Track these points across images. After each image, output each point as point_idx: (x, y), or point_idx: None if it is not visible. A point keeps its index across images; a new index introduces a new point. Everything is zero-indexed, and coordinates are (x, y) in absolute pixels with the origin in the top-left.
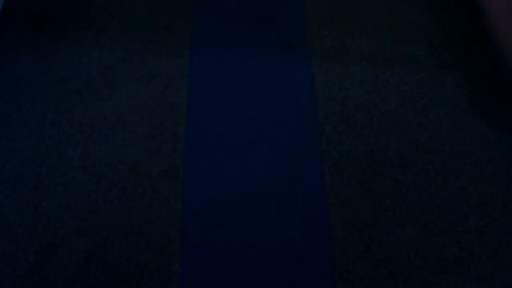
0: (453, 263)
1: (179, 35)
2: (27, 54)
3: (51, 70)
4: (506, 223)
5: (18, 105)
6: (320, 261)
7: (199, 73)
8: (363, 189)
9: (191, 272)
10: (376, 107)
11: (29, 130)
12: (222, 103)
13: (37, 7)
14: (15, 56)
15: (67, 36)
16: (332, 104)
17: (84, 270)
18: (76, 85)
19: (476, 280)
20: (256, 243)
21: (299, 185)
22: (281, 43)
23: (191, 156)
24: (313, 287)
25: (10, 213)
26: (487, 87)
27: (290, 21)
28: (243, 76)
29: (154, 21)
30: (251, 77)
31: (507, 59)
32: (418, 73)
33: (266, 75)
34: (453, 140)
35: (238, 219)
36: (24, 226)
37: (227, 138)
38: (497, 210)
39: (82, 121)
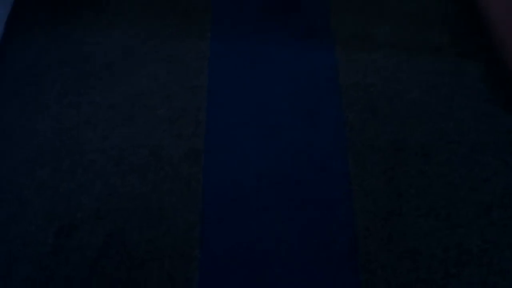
0: (476, 255)
1: (199, 18)
2: (45, 36)
3: (69, 51)
4: None
5: (38, 86)
6: (343, 250)
7: (220, 57)
8: (386, 178)
9: (211, 257)
10: (398, 95)
11: (48, 111)
12: (243, 88)
13: None
14: (33, 38)
15: (84, 18)
16: (355, 91)
17: (103, 253)
18: (95, 67)
19: (499, 273)
20: (277, 230)
21: (322, 173)
22: (304, 28)
23: (212, 141)
24: (335, 276)
25: (29, 194)
26: (510, 77)
27: (313, 6)
28: (264, 61)
29: (174, 2)
30: (273, 62)
31: None
32: (441, 62)
33: (288, 60)
34: (475, 130)
35: (259, 205)
36: (43, 208)
37: (248, 123)
38: None
39: (101, 103)
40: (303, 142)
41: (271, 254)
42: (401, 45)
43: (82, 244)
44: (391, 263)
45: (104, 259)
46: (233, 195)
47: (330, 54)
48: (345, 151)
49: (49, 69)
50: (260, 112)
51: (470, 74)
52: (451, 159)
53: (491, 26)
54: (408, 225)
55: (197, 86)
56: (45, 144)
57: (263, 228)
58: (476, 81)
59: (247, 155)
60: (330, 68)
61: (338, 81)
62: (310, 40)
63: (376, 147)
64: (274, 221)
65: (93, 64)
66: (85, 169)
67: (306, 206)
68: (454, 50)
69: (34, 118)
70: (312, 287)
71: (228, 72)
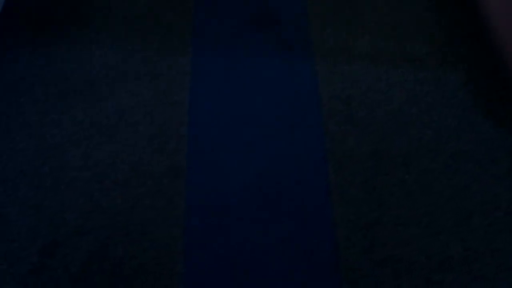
0: (458, 262)
1: (181, 34)
2: (28, 53)
3: (52, 69)
4: (510, 221)
5: (19, 104)
6: (324, 260)
7: (201, 72)
8: (367, 188)
9: (194, 272)
10: (379, 106)
11: (30, 129)
12: (225, 102)
13: (38, 6)
14: (16, 55)
15: (67, 35)
16: (336, 102)
17: (87, 270)
18: (77, 84)
19: (481, 279)
20: (259, 242)
21: (303, 184)
22: (283, 41)
23: (194, 155)
24: (318, 286)
25: (12, 213)
26: (490, 86)
27: (292, 19)
28: (246, 75)
29: (155, 19)
30: (254, 75)
31: (510, 56)
32: (421, 72)
33: (269, 74)
34: (456, 138)
35: (241, 218)
36: (26, 226)
37: (230, 137)
38: (501, 209)
39: (83, 120)
40: (284, 154)
41: (253, 266)
42: (381, 56)
43: (65, 261)
44: (373, 272)
45: (88, 275)
46: (215, 209)
47: (311, 66)
48: (325, 162)
49: (31, 88)
50: (241, 125)
51: (451, 83)
52: (431, 167)
53: (492, 32)
54: (390, 233)
55: (178, 101)
56: (28, 163)
57: (245, 241)
58: (457, 90)
59: (228, 168)
60: (310, 80)
61: (319, 92)
62: (291, 53)
63: (356, 157)
64: (256, 234)
65: (75, 81)
66: (67, 186)
67: (288, 218)
68: (434, 60)
69: (16, 137)
70: None
71: (209, 86)
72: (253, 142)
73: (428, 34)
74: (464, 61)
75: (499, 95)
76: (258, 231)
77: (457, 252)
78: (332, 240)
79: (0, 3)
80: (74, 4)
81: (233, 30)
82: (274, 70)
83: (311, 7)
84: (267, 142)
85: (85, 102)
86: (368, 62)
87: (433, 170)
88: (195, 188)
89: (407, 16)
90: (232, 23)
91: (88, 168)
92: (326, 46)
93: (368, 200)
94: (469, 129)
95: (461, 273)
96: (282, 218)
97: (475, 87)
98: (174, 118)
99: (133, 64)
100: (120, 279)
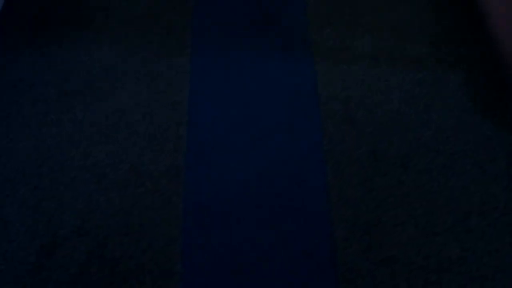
0: (455, 263)
1: (180, 34)
2: (27, 54)
3: (51, 69)
4: (508, 222)
5: (19, 105)
6: (322, 260)
7: (200, 72)
8: (365, 188)
9: (192, 272)
10: (378, 106)
11: (30, 130)
12: (224, 102)
13: (37, 7)
14: (16, 56)
15: (67, 35)
16: (334, 103)
17: (85, 270)
18: (76, 85)
19: (478, 280)
20: (257, 242)
21: (301, 185)
22: (283, 41)
23: (193, 156)
24: (315, 286)
25: (11, 213)
26: (489, 86)
27: (291, 20)
28: (245, 75)
29: (155, 20)
30: (253, 76)
31: (509, 57)
32: (420, 72)
33: (268, 74)
34: (455, 139)
35: (240, 218)
36: (25, 226)
37: (229, 137)
38: (499, 209)
39: (83, 121)
40: (283, 154)
41: (251, 266)
42: (380, 56)
43: (64, 262)
44: (371, 272)
45: (86, 276)
46: (213, 209)
47: (310, 66)
48: (324, 162)
49: (31, 88)
50: (240, 125)
51: (449, 84)
52: (429, 168)
53: (491, 32)
54: (387, 234)
55: (177, 101)
56: (27, 163)
57: (243, 241)
58: (456, 90)
59: (227, 168)
60: (309, 80)
61: (317, 92)
62: (290, 53)
63: (354, 157)
64: (254, 233)
65: (75, 82)
66: (66, 186)
67: (286, 218)
68: (434, 60)
69: (16, 137)
70: None
71: (208, 86)
72: (252, 142)
73: (428, 34)
74: (463, 61)
75: (498, 96)
76: (257, 231)
77: (455, 252)
78: (330, 241)
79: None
80: (74, 5)
81: (233, 30)
82: (273, 70)
83: (311, 7)
84: (265, 142)
85: (84, 102)
86: (367, 62)
87: (431, 170)
88: (193, 188)
89: (406, 17)
90: (232, 23)
91: (87, 169)
92: (325, 46)
93: (366, 200)
94: (468, 130)
95: (458, 274)
96: (280, 218)
97: (474, 87)
98: (173, 118)
99: (133, 64)
100: (118, 279)
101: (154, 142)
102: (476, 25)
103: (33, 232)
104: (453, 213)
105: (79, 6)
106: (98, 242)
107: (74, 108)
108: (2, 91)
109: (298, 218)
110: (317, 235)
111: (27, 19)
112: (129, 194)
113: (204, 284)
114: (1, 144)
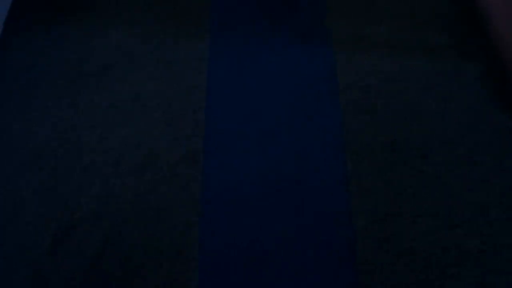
0: (474, 255)
1: (198, 19)
2: (43, 37)
3: (68, 52)
4: None
5: (35, 87)
6: (341, 251)
7: (218, 58)
8: (384, 179)
9: (210, 258)
10: (396, 96)
11: (47, 112)
12: (242, 89)
13: None
14: (32, 39)
15: (82, 18)
16: (353, 92)
17: (101, 254)
18: (93, 67)
19: (498, 273)
20: (275, 231)
21: (320, 174)
22: (302, 30)
23: (211, 142)
24: (334, 276)
25: (27, 196)
26: (508, 79)
27: (310, 8)
28: (263, 62)
29: (173, 4)
30: (271, 63)
31: None
32: (438, 62)
33: (286, 62)
34: (474, 130)
35: (258, 206)
36: (41, 209)
37: (247, 124)
38: None
39: (99, 104)
40: (302, 143)
41: (269, 255)
42: (399, 45)
43: (79, 246)
44: (389, 264)
45: (102, 261)
46: (231, 196)
47: (328, 55)
48: (343, 152)
49: (47, 70)
50: (258, 113)
51: (469, 74)
52: (449, 159)
53: (491, 24)
54: (406, 225)
55: (195, 86)
56: (43, 146)
57: (261, 229)
58: (475, 81)
59: (245, 156)
60: (328, 69)
61: (336, 82)
62: (308, 42)
63: (374, 148)
64: (273, 222)
65: (91, 65)
66: (83, 170)
67: (305, 207)
68: (452, 50)
69: (32, 120)
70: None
71: (227, 73)
72: (270, 130)
73: (447, 24)
74: (482, 53)
75: None
76: (274, 219)
77: (474, 245)
78: (349, 231)
79: None
80: None
81: (251, 18)
82: (291, 58)
83: None
84: (284, 130)
85: (101, 85)
86: (385, 51)
87: (450, 161)
88: (211, 175)
89: (425, 5)
90: (250, 11)
91: (104, 152)
92: (343, 35)
93: (385, 191)
94: (487, 122)
95: (477, 267)
96: (298, 208)
97: (494, 79)
98: (191, 103)
99: (150, 48)
100: (134, 265)
101: (172, 127)
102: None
103: (49, 215)
104: (473, 205)
105: None
106: (114, 226)
107: (90, 92)
108: (17, 74)
109: (317, 208)
110: (336, 225)
111: (42, 2)
112: (146, 179)
113: (221, 271)
114: (17, 127)
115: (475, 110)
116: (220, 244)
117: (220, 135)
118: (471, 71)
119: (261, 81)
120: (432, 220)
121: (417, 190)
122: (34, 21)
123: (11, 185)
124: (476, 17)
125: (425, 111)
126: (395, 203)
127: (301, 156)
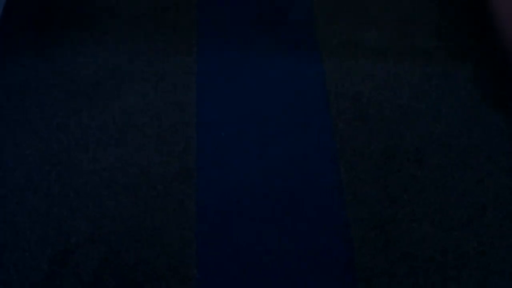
0: (473, 258)
1: (185, 33)
2: (31, 56)
3: (56, 72)
4: None
5: (25, 109)
6: (339, 260)
7: (207, 72)
8: (379, 185)
9: (208, 276)
10: (388, 102)
11: (37, 135)
12: (232, 102)
13: (40, 8)
14: (19, 59)
15: (71, 37)
16: (344, 100)
17: (99, 277)
18: (82, 87)
19: (498, 274)
20: (273, 243)
21: (314, 184)
22: (289, 39)
23: (203, 157)
24: (333, 285)
25: (22, 221)
26: (499, 79)
27: (297, 16)
28: (252, 74)
29: (159, 19)
30: (260, 74)
31: None
32: (429, 66)
33: (276, 72)
34: (467, 133)
35: (254, 219)
36: (36, 234)
37: (239, 137)
38: None
39: (90, 124)
40: (295, 153)
41: (268, 268)
42: (389, 51)
43: (77, 269)
44: (388, 270)
45: (100, 283)
46: (227, 210)
47: (318, 63)
48: (336, 160)
49: (36, 92)
50: (250, 125)
51: (459, 77)
52: (443, 162)
53: (500, 23)
54: (403, 231)
55: (185, 102)
56: (35, 169)
57: (258, 242)
58: (466, 83)
59: (239, 168)
60: (318, 77)
61: (327, 90)
62: (297, 51)
63: (367, 154)
64: (269, 234)
65: (80, 84)
66: (76, 192)
67: (301, 218)
68: (443, 54)
69: (23, 143)
70: None
71: (216, 86)
72: (263, 142)
73: (435, 27)
74: (472, 54)
75: (508, 88)
76: (271, 232)
77: (473, 247)
78: (346, 239)
79: (1, 4)
80: (77, 5)
81: (238, 29)
82: (281, 68)
83: (317, 4)
84: (276, 141)
85: (91, 105)
86: (375, 57)
87: (445, 165)
88: (205, 190)
89: (413, 10)
90: (237, 22)
91: (97, 173)
92: (332, 43)
93: (381, 197)
94: (479, 123)
95: (477, 269)
96: (294, 219)
97: (484, 80)
98: (181, 119)
99: (139, 65)
100: (133, 285)
101: (164, 144)
102: (484, 17)
103: (44, 239)
104: (469, 207)
105: (83, 7)
106: (111, 248)
107: (80, 111)
108: (6, 95)
109: (313, 217)
110: (333, 234)
111: (30, 20)
112: (141, 198)
113: (220, 286)
114: (8, 150)
115: (468, 112)
116: (218, 260)
117: (212, 149)
118: (462, 73)
119: (250, 93)
120: (429, 224)
121: (412, 195)
122: (21, 42)
123: (4, 210)
124: (465, 19)
125: (417, 115)
126: (391, 209)
127: (294, 166)
